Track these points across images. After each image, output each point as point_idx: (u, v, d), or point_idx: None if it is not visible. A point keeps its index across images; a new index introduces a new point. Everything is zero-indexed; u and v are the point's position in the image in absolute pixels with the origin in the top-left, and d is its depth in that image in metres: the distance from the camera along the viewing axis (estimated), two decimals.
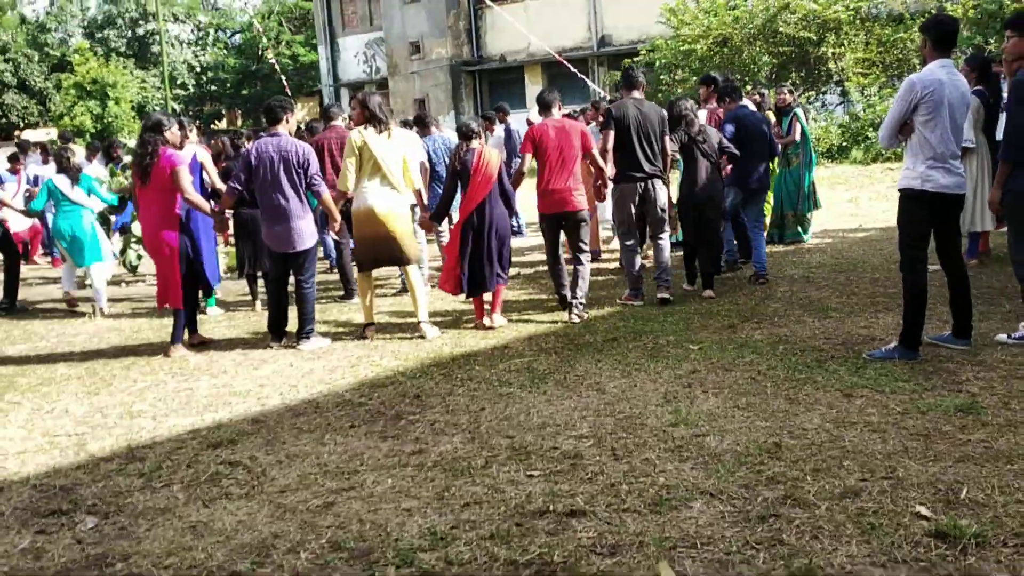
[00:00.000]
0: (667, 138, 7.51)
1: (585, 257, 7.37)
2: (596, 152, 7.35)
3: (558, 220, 7.33)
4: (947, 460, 3.80)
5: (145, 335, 7.85)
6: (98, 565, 3.39)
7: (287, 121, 6.95)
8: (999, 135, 7.13)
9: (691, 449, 4.13)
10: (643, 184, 7.40)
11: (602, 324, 6.98)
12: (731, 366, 5.50)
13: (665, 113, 7.62)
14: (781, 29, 19.31)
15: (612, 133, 7.34)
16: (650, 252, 8.73)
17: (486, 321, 7.16)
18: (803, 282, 8.03)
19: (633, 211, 7.51)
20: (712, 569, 3.01)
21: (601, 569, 3.06)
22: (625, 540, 3.26)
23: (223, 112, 42.37)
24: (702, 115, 8.61)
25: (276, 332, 7.11)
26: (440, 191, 8.84)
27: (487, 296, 7.26)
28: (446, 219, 9.37)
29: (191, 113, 37.60)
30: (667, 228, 7.66)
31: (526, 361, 6.00)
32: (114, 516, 3.87)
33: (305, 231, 6.86)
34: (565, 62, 21.08)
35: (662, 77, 21.08)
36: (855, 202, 13.37)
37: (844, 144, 18.29)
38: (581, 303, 7.23)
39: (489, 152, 7.07)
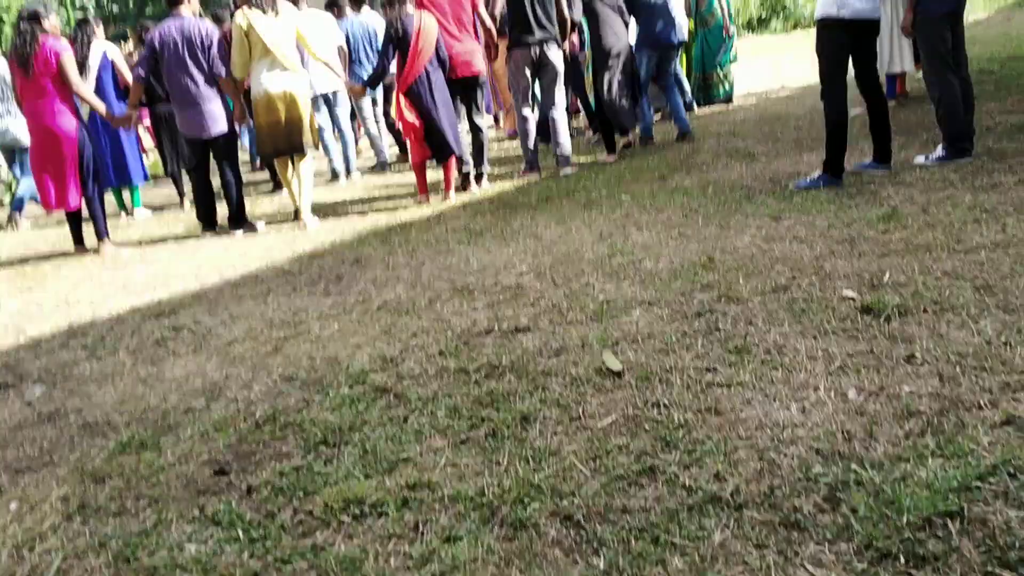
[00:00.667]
0: (562, 2, 7.37)
1: (482, 122, 7.31)
2: (483, 12, 7.20)
3: (460, 84, 7.20)
4: (871, 256, 3.96)
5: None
6: (51, 419, 3.40)
7: (188, 2, 6.72)
8: None
9: (628, 272, 4.24)
10: (537, 48, 7.23)
11: (534, 188, 7.02)
12: (663, 207, 5.61)
13: None
14: None
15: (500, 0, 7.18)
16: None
17: (445, 197, 7.01)
18: (729, 136, 8.15)
19: (528, 78, 7.39)
20: (654, 356, 3.13)
21: (548, 366, 3.16)
22: (569, 344, 3.36)
23: (128, 33, 40.71)
24: None
25: (208, 222, 7.03)
26: (362, 76, 8.70)
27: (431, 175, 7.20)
28: (370, 102, 9.27)
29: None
30: (560, 98, 7.52)
31: (462, 223, 6.03)
32: (62, 383, 3.85)
33: (217, 114, 6.72)
34: None
35: None
36: (776, 67, 13.49)
37: (763, 16, 18.35)
38: (484, 171, 7.22)
39: (427, 17, 6.88)
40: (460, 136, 7.09)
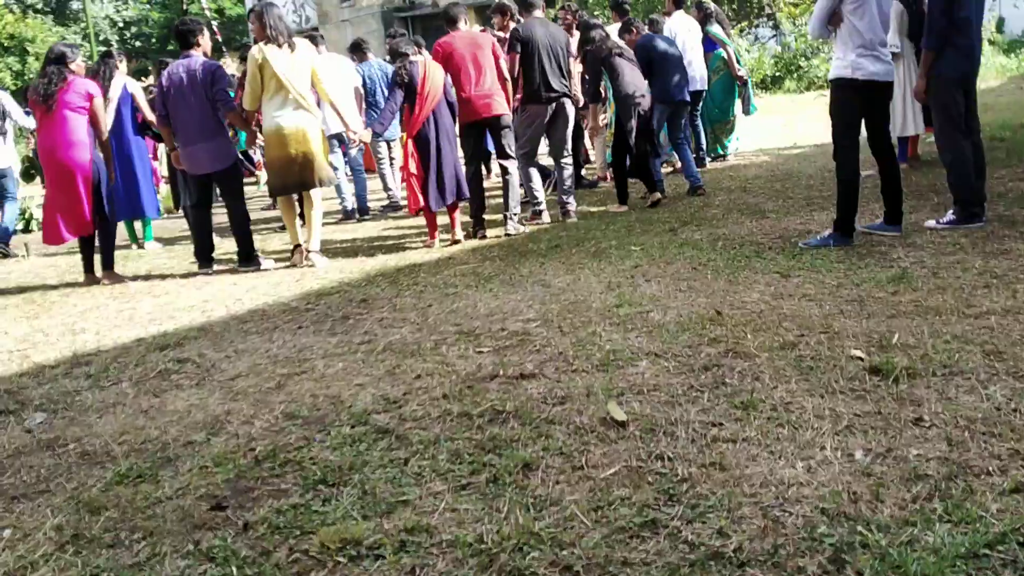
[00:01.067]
0: (572, 59, 7.46)
1: (511, 165, 7.32)
2: (503, 65, 7.28)
3: (481, 127, 7.27)
4: (880, 317, 3.94)
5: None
6: (50, 447, 3.38)
7: (199, 44, 6.81)
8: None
9: (636, 323, 4.23)
10: (554, 105, 7.34)
11: (544, 235, 7.04)
12: (672, 260, 5.61)
13: (567, 35, 7.63)
14: None
15: (518, 56, 7.24)
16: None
17: (451, 241, 7.04)
18: (740, 191, 8.17)
19: (540, 132, 7.45)
20: (659, 408, 3.11)
21: (552, 414, 3.14)
22: (574, 393, 3.34)
23: (149, 68, 41.25)
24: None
25: (204, 259, 7.03)
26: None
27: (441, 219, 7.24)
28: (386, 145, 9.35)
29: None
30: (569, 151, 7.62)
31: (471, 267, 6.04)
32: (63, 412, 3.83)
33: (220, 151, 6.77)
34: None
35: (595, 13, 21.01)
36: (789, 125, 13.57)
37: (777, 74, 18.53)
38: (515, 213, 7.26)
39: (433, 64, 6.97)
40: (464, 179, 7.12)
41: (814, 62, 18.04)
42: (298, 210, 7.74)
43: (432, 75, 6.87)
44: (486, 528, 2.38)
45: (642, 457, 2.73)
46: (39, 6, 39.77)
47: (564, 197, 7.61)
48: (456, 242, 7.03)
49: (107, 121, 6.96)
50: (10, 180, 9.27)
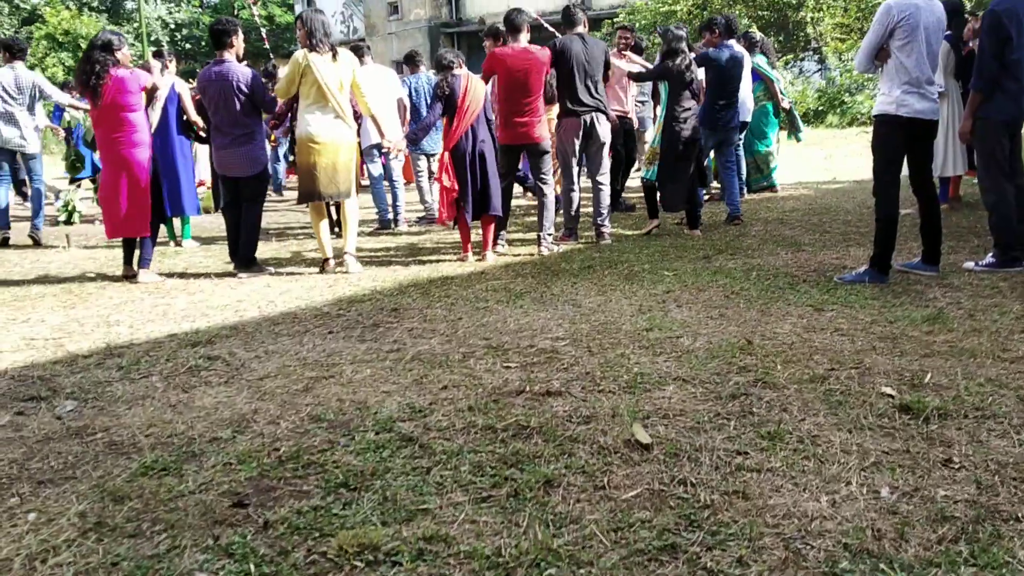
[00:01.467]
0: (611, 68, 7.59)
1: (547, 188, 7.36)
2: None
3: (518, 151, 7.39)
4: (913, 356, 3.90)
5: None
6: (79, 435, 3.42)
7: (232, 44, 6.84)
8: None
9: (665, 347, 4.21)
10: (587, 118, 7.39)
11: (578, 255, 7.04)
12: (705, 287, 5.59)
13: (606, 48, 7.66)
14: None
15: (553, 69, 7.33)
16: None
17: (480, 256, 7.06)
18: (776, 223, 8.14)
19: (577, 147, 7.49)
20: (684, 433, 3.09)
21: (576, 433, 3.13)
22: (600, 412, 3.33)
23: (197, 70, 41.88)
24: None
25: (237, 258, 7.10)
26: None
27: (472, 235, 7.28)
28: (425, 159, 9.42)
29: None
30: (607, 168, 7.66)
31: (503, 283, 6.05)
32: (94, 402, 3.88)
33: (253, 156, 6.83)
34: (544, 23, 20.94)
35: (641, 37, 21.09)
36: (830, 159, 13.50)
37: (821, 108, 18.45)
38: (549, 233, 7.28)
39: (475, 79, 7.02)
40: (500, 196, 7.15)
41: (858, 98, 17.95)
42: (334, 216, 7.80)
43: (474, 90, 6.90)
44: (504, 542, 2.37)
45: (665, 481, 2.71)
46: (94, 4, 40.56)
47: (599, 219, 7.62)
48: (483, 258, 7.05)
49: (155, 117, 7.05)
50: (37, 162, 9.43)
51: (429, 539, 2.40)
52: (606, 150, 7.62)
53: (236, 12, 38.79)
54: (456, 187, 6.93)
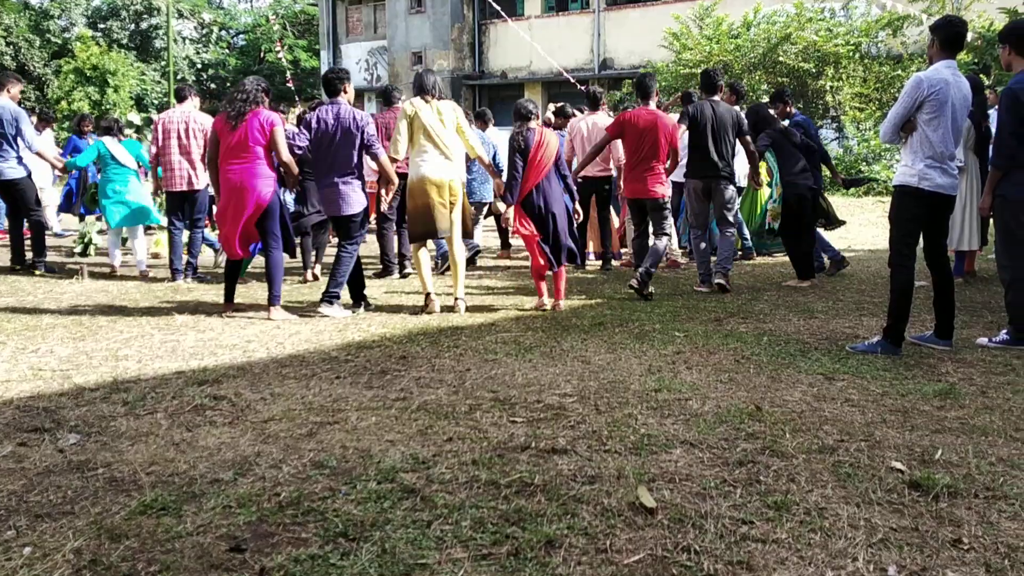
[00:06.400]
0: (746, 138, 7.88)
1: (661, 241, 7.73)
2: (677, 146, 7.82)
3: (640, 204, 7.85)
4: (924, 431, 3.86)
5: (133, 297, 7.85)
6: (79, 469, 3.40)
7: (345, 91, 7.07)
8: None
9: (673, 409, 4.18)
10: (714, 182, 7.77)
11: (589, 311, 7.03)
12: (716, 350, 5.56)
13: (739, 114, 7.93)
14: (781, 59, 19.58)
15: (686, 128, 7.75)
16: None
17: (548, 302, 7.15)
18: (789, 288, 8.11)
19: (705, 205, 7.93)
20: (690, 499, 3.05)
21: (580, 493, 3.09)
22: (605, 473, 3.30)
23: (217, 109, 42.41)
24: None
25: (356, 297, 7.17)
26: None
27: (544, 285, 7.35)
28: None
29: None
30: (732, 223, 8.00)
31: (513, 336, 6.04)
32: (97, 436, 3.87)
33: (353, 196, 6.94)
34: (571, 78, 21.24)
35: (661, 100, 21.31)
36: (845, 228, 13.49)
37: None
38: (643, 273, 7.50)
39: (549, 133, 7.16)
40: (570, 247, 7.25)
41: (875, 167, 18.00)
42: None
43: (547, 144, 7.04)
44: None
45: (668, 547, 2.67)
46: (124, 41, 41.27)
47: (721, 267, 7.87)
48: (557, 307, 7.13)
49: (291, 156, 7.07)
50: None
51: None
52: (726, 209, 7.93)
53: (263, 55, 39.51)
54: (536, 232, 7.03)
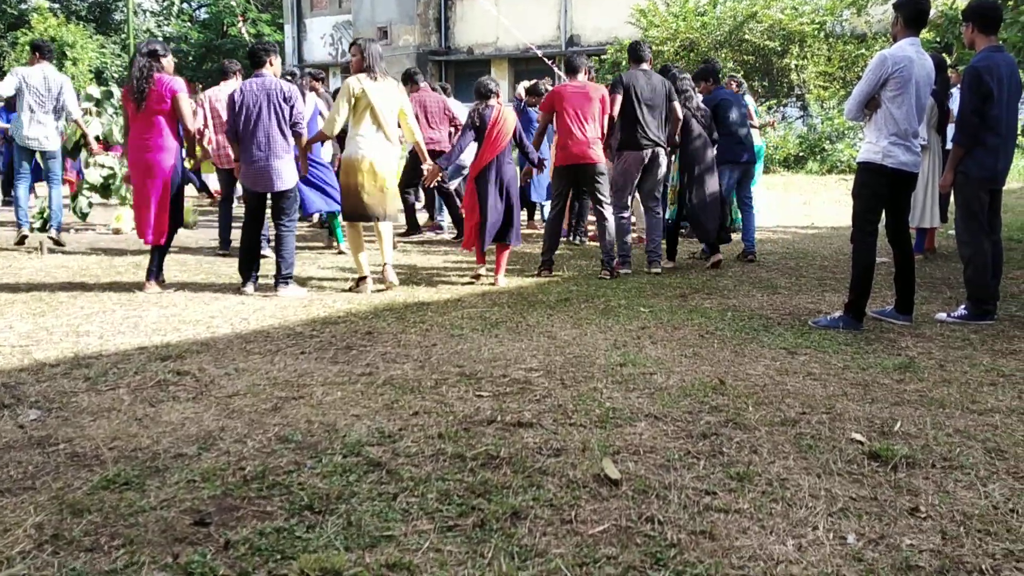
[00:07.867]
0: (675, 104, 7.71)
1: (607, 211, 7.54)
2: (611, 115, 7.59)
3: (573, 172, 7.55)
4: (883, 403, 3.92)
5: (94, 272, 7.74)
6: (40, 445, 3.36)
7: (271, 63, 6.92)
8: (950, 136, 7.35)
9: (638, 383, 4.21)
10: (649, 152, 7.57)
11: (555, 287, 7.04)
12: (680, 325, 5.60)
13: (671, 85, 7.80)
14: (747, 37, 19.66)
15: (620, 98, 7.53)
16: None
17: (488, 278, 7.21)
18: (753, 265, 8.19)
19: (635, 179, 7.68)
20: (653, 471, 3.08)
21: (546, 465, 3.11)
22: (570, 446, 3.32)
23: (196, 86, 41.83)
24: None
25: (247, 275, 7.00)
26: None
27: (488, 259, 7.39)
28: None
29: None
30: (659, 202, 7.84)
31: (479, 311, 6.04)
32: (58, 411, 3.82)
33: (284, 171, 6.81)
34: (538, 52, 21.12)
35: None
36: (808, 204, 13.64)
37: (801, 154, 18.64)
38: (612, 257, 7.47)
39: (507, 111, 7.19)
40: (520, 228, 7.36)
41: (838, 146, 18.15)
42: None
43: (504, 121, 7.07)
44: (468, 572, 2.35)
45: (632, 518, 2.70)
46: (83, 13, 40.45)
47: (650, 245, 7.80)
48: (496, 283, 7.16)
49: (193, 119, 6.96)
50: (57, 162, 9.47)
51: (392, 566, 2.38)
52: (660, 184, 7.82)
53: (225, 29, 38.90)
54: (477, 217, 7.09)
